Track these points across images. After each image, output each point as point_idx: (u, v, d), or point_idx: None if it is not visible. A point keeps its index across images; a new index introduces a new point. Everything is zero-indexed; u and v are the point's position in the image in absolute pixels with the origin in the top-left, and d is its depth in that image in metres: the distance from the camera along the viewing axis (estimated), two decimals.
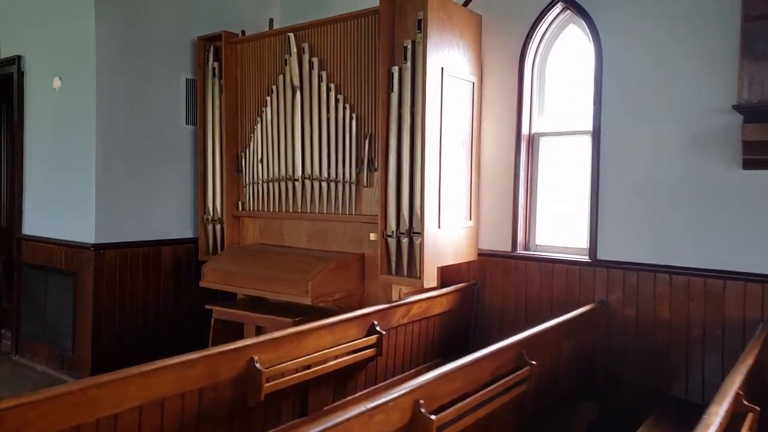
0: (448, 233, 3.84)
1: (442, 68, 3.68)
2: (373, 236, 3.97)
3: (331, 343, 3.11)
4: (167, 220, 4.79)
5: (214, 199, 4.78)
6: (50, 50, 4.67)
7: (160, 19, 4.66)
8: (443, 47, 3.69)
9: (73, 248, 4.46)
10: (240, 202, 4.71)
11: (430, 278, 3.67)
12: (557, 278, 3.98)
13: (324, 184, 4.13)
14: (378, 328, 3.34)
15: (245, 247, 4.38)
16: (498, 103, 4.17)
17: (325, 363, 3.03)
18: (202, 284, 4.24)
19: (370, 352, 3.31)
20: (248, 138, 4.63)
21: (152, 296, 4.69)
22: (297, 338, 2.92)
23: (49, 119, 4.70)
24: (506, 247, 4.19)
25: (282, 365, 2.78)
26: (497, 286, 4.21)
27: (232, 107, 4.68)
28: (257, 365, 2.63)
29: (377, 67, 3.90)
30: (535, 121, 4.19)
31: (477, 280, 4.28)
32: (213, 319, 4.14)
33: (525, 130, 4.15)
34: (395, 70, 3.71)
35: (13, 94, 5.06)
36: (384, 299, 3.96)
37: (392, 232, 3.74)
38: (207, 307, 4.18)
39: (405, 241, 3.70)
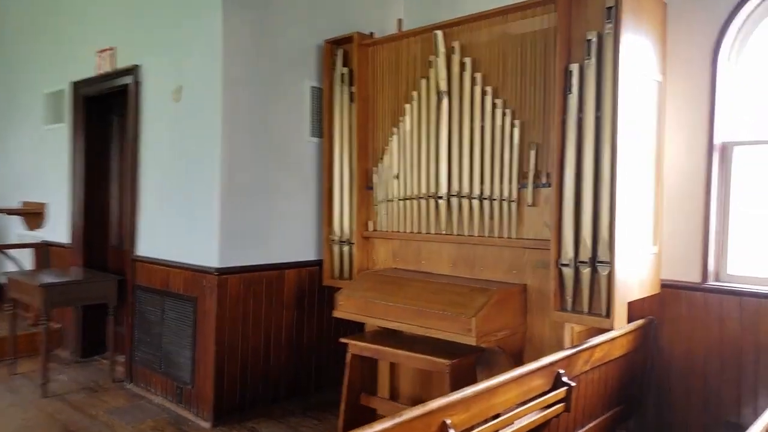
0: (636, 262, 3.21)
1: (635, 65, 3.07)
2: (542, 263, 3.38)
3: (517, 398, 2.55)
4: (290, 240, 4.38)
5: (342, 219, 4.33)
6: (171, 58, 4.38)
7: (284, 20, 4.29)
8: (636, 40, 3.08)
9: (194, 272, 4.11)
10: (371, 222, 4.23)
11: (621, 316, 3.04)
12: (765, 318, 3.26)
13: (476, 202, 3.58)
14: (565, 379, 2.75)
15: (382, 273, 3.88)
16: (685, 107, 3.52)
17: (515, 424, 2.48)
18: (335, 314, 3.77)
19: (559, 408, 2.73)
20: (382, 151, 4.15)
21: (274, 326, 4.27)
22: (488, 395, 2.37)
23: (168, 133, 4.40)
24: (693, 278, 3.51)
25: (476, 430, 2.25)
26: (681, 324, 3.53)
27: (363, 117, 4.22)
28: (451, 430, 2.11)
29: (546, 65, 3.34)
30: (728, 128, 3.50)
31: (653, 316, 3.61)
32: (350, 355, 3.66)
33: (717, 139, 3.47)
34: (574, 67, 3.13)
35: (128, 106, 4.82)
36: (552, 339, 3.36)
37: (569, 260, 3.15)
38: (343, 340, 3.70)
39: (586, 271, 3.09)
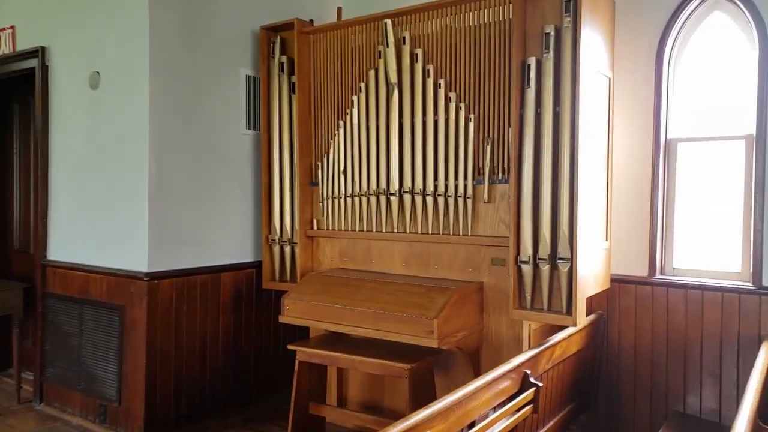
0: (592, 257, 3.20)
1: (590, 60, 3.05)
2: (498, 261, 3.30)
3: (489, 402, 2.45)
4: (226, 241, 4.07)
5: (282, 217, 4.07)
6: (86, 39, 3.93)
7: (215, 5, 3.96)
8: (591, 35, 3.06)
9: (119, 278, 3.71)
10: (315, 221, 4.01)
11: (582, 313, 3.01)
12: (709, 310, 3.37)
13: (429, 198, 3.46)
14: (532, 379, 2.68)
15: (330, 275, 3.67)
16: (630, 104, 3.56)
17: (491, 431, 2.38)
18: (282, 319, 3.52)
19: (528, 410, 2.66)
20: (326, 145, 3.94)
21: (211, 333, 3.96)
22: (465, 403, 2.25)
23: (85, 123, 3.95)
24: (641, 272, 3.57)
25: None
26: (629, 317, 3.59)
27: (306, 109, 3.99)
28: None
29: (501, 59, 3.26)
30: (671, 125, 3.58)
31: (603, 310, 3.64)
32: (297, 362, 3.43)
33: (663, 136, 3.54)
34: (532, 61, 3.06)
35: (34, 93, 4.31)
36: (510, 337, 3.30)
37: (528, 257, 3.09)
38: (290, 347, 3.46)
39: (545, 268, 3.05)
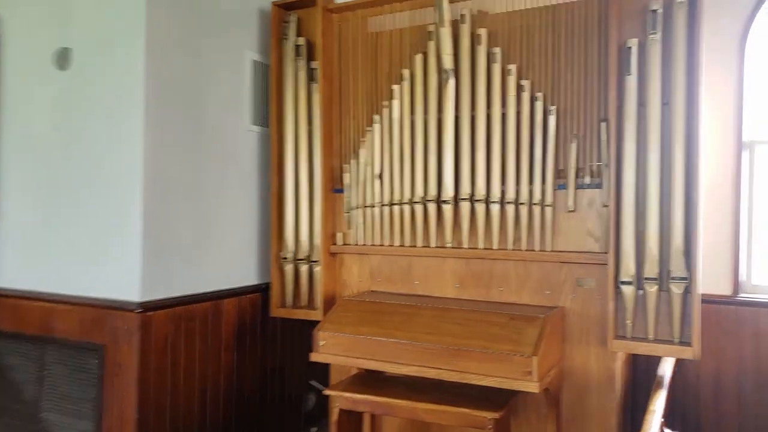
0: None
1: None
2: (587, 281, 2.77)
3: None
4: (227, 260, 3.33)
5: (298, 230, 3.38)
6: (50, 9, 3.12)
7: None
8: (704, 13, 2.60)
9: (99, 309, 2.90)
10: (340, 234, 3.34)
11: (696, 341, 2.51)
12: None
13: (494, 207, 2.89)
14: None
15: (370, 300, 3.01)
16: (709, 101, 3.15)
17: None
18: (316, 357, 2.83)
19: None
20: (355, 144, 3.29)
21: (212, 375, 3.19)
22: None
23: (50, 113, 3.12)
24: (723, 290, 3.15)
25: None
26: (709, 342, 3.14)
27: (329, 101, 3.33)
28: None
29: (588, 40, 2.76)
30: (752, 126, 3.21)
31: None
32: (337, 411, 2.75)
33: (746, 137, 3.15)
34: (633, 43, 2.58)
35: None
36: (600, 373, 2.76)
37: (631, 276, 2.57)
38: (327, 392, 2.78)
39: (653, 289, 2.54)
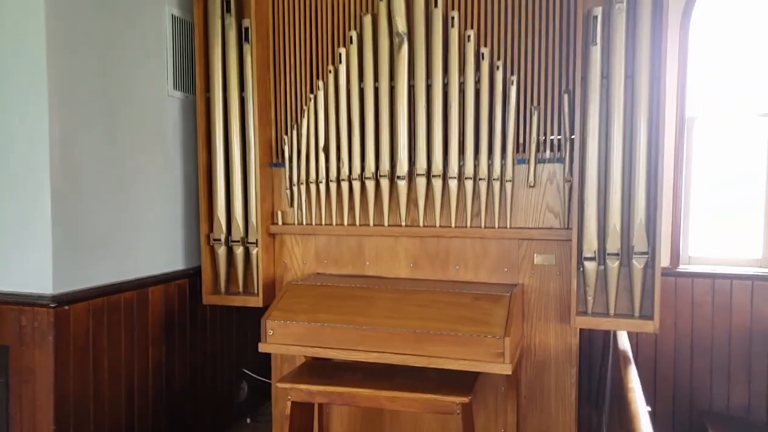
0: None
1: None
2: (545, 258, 2.71)
3: None
4: (152, 244, 2.95)
5: (231, 209, 3.06)
6: None
7: None
8: None
9: (1, 305, 2.45)
10: (280, 212, 3.06)
11: (657, 314, 2.52)
12: (739, 300, 3.13)
13: (452, 183, 2.74)
14: None
15: (323, 284, 2.78)
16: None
17: None
18: (266, 348, 2.57)
19: None
20: (296, 113, 3.00)
21: (139, 372, 2.83)
22: None
23: None
24: (664, 262, 3.23)
25: None
26: None
27: (265, 64, 3.01)
28: None
29: (549, 6, 2.65)
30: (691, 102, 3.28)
31: None
32: (290, 404, 2.52)
33: (688, 111, 3.22)
34: (598, 12, 2.49)
35: None
36: (560, 350, 2.73)
37: (594, 252, 2.54)
38: (280, 385, 2.53)
39: (615, 265, 2.52)
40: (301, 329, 2.51)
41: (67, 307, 2.41)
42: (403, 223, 2.83)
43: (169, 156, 3.06)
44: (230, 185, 3.06)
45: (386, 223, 2.86)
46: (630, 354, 2.43)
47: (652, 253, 2.48)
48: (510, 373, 2.30)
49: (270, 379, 3.69)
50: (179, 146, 3.14)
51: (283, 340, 2.53)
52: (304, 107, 2.97)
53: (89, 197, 2.56)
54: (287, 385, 2.52)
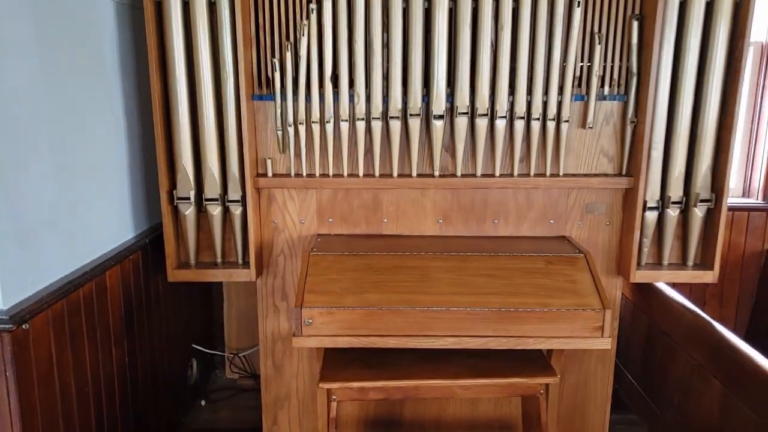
0: None
1: None
2: (591, 208, 2.44)
3: None
4: (98, 212, 2.14)
5: (201, 157, 2.31)
6: None
7: None
8: None
9: None
10: (267, 161, 2.38)
11: (717, 264, 2.43)
12: None
13: (500, 123, 2.30)
14: None
15: (351, 254, 2.22)
16: None
17: None
18: (308, 343, 2.01)
19: None
20: (289, 29, 2.28)
21: (105, 381, 2.11)
22: None
23: None
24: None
25: None
26: None
27: None
28: None
29: None
30: None
31: None
32: (336, 404, 2.04)
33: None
34: None
35: None
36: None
37: (657, 201, 2.33)
38: (326, 386, 2.03)
39: (675, 213, 2.35)
40: (350, 316, 1.99)
41: (26, 326, 1.61)
42: (437, 173, 2.35)
43: (107, 83, 2.18)
44: (198, 125, 2.29)
45: (414, 173, 2.35)
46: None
47: (716, 200, 2.33)
48: (610, 347, 2.05)
49: (223, 351, 3.17)
50: (119, 71, 2.26)
51: (326, 330, 1.99)
52: (303, 21, 2.25)
53: (26, 161, 1.69)
54: (335, 385, 2.02)
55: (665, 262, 2.41)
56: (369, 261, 2.18)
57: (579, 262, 2.17)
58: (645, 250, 2.39)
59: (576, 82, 2.31)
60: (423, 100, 2.28)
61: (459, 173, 2.34)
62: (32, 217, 1.72)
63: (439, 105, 2.26)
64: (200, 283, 2.64)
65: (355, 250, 2.24)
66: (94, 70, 2.09)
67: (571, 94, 2.29)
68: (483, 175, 2.36)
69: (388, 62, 2.26)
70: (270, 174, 2.38)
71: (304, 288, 2.06)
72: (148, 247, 2.42)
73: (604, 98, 2.33)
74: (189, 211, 2.34)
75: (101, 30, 2.13)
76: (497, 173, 2.35)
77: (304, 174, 2.38)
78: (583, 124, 2.34)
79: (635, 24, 2.25)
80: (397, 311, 1.99)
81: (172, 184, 2.33)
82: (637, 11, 2.25)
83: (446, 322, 2.00)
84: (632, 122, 2.30)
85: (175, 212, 2.36)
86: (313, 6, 2.23)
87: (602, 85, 2.32)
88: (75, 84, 1.95)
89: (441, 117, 2.28)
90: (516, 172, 2.35)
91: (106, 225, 2.17)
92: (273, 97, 2.32)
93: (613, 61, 2.30)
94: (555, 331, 2.00)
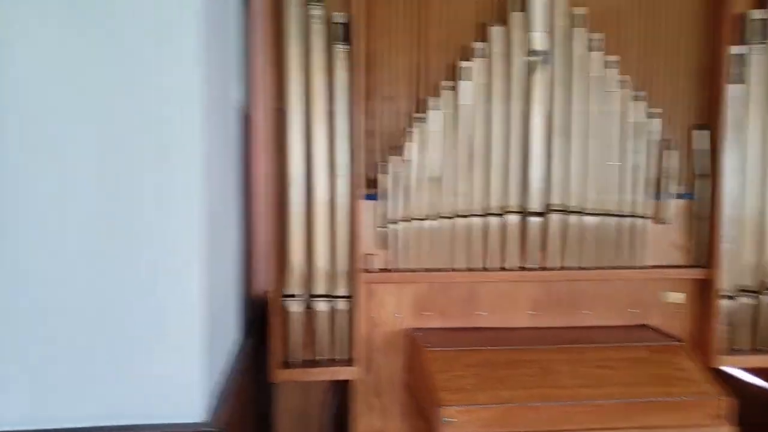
0: None
1: None
2: (675, 297, 2.62)
3: None
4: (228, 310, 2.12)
5: (311, 254, 2.36)
6: None
7: None
8: None
9: None
10: (370, 257, 2.46)
11: None
12: None
13: (590, 219, 2.49)
14: None
15: (467, 349, 2.28)
16: None
17: None
18: None
19: None
20: (398, 135, 2.43)
21: None
22: None
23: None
24: None
25: None
26: None
27: (365, 73, 2.37)
28: None
29: (685, 36, 2.56)
30: None
31: None
32: None
33: None
34: (744, 50, 2.48)
35: None
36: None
37: (730, 290, 2.55)
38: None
39: (749, 301, 2.56)
40: (487, 413, 2.03)
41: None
42: (534, 265, 2.48)
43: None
44: (310, 221, 2.35)
45: (510, 266, 2.48)
46: None
47: None
48: None
49: None
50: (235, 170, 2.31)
51: (467, 429, 2.01)
52: (410, 129, 2.41)
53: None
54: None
55: (745, 347, 2.59)
56: (486, 356, 2.24)
57: (680, 350, 2.32)
58: (724, 336, 2.56)
59: (649, 182, 2.54)
60: (519, 198, 2.44)
61: (552, 266, 2.48)
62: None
63: (534, 203, 2.43)
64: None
65: (466, 345, 2.31)
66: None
67: (650, 193, 2.52)
68: (573, 268, 2.51)
69: (487, 165, 2.42)
70: (373, 270, 2.44)
71: (435, 386, 2.09)
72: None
73: (674, 196, 2.57)
74: (296, 308, 2.36)
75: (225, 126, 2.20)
76: (586, 266, 2.50)
77: (405, 269, 2.45)
78: (659, 219, 2.56)
79: (699, 133, 2.54)
80: (531, 407, 2.05)
81: (281, 282, 2.35)
82: (700, 122, 2.55)
83: (579, 416, 2.07)
84: (701, 219, 2.54)
85: (285, 311, 2.36)
86: (419, 114, 2.40)
87: (670, 185, 2.57)
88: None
89: (536, 214, 2.44)
90: (606, 265, 2.52)
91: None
92: (377, 197, 2.42)
93: (683, 163, 2.56)
94: (677, 420, 2.11)
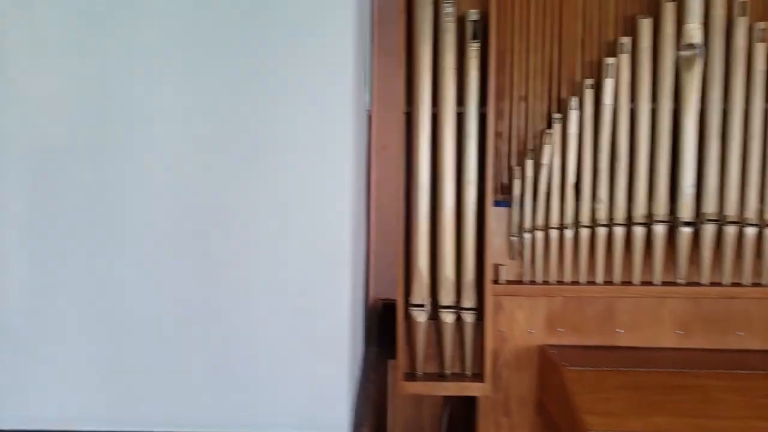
0: None
1: None
2: None
3: None
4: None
5: (439, 263, 2.25)
6: None
7: None
8: None
9: None
10: (503, 269, 2.32)
11: None
12: None
13: (750, 231, 2.23)
14: None
15: (610, 370, 2.09)
16: None
17: None
18: None
19: None
20: (532, 137, 2.29)
21: None
22: None
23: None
24: None
25: None
26: None
27: (499, 72, 2.26)
28: None
29: None
30: None
31: None
32: None
33: None
34: None
35: None
36: None
37: None
38: None
39: None
40: None
41: None
42: (681, 281, 2.25)
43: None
44: (436, 229, 2.25)
45: (657, 281, 2.26)
46: None
47: None
48: None
49: None
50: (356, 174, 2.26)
51: None
52: (547, 131, 2.26)
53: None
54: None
55: None
56: (634, 378, 2.04)
57: None
58: None
59: None
60: (668, 206, 2.22)
61: (705, 281, 2.24)
62: None
63: (685, 211, 2.20)
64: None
65: (608, 365, 2.11)
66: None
67: None
68: (731, 284, 2.25)
69: (632, 170, 2.23)
70: (503, 281, 2.30)
71: (578, 407, 1.91)
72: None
73: None
74: (422, 319, 2.25)
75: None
76: (745, 282, 2.24)
77: (538, 281, 2.30)
78: None
79: None
80: None
81: (407, 292, 2.26)
82: None
83: None
84: None
85: (411, 322, 2.27)
86: (557, 116, 2.24)
87: None
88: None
89: (689, 224, 2.21)
90: (763, 282, 2.24)
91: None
92: (509, 203, 2.29)
93: None
94: None
